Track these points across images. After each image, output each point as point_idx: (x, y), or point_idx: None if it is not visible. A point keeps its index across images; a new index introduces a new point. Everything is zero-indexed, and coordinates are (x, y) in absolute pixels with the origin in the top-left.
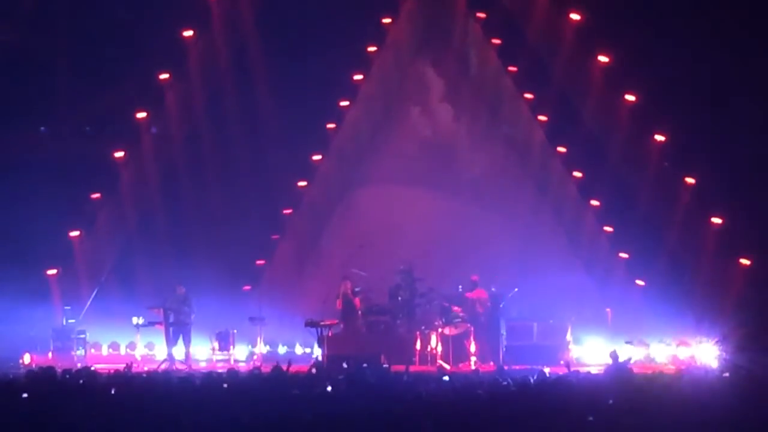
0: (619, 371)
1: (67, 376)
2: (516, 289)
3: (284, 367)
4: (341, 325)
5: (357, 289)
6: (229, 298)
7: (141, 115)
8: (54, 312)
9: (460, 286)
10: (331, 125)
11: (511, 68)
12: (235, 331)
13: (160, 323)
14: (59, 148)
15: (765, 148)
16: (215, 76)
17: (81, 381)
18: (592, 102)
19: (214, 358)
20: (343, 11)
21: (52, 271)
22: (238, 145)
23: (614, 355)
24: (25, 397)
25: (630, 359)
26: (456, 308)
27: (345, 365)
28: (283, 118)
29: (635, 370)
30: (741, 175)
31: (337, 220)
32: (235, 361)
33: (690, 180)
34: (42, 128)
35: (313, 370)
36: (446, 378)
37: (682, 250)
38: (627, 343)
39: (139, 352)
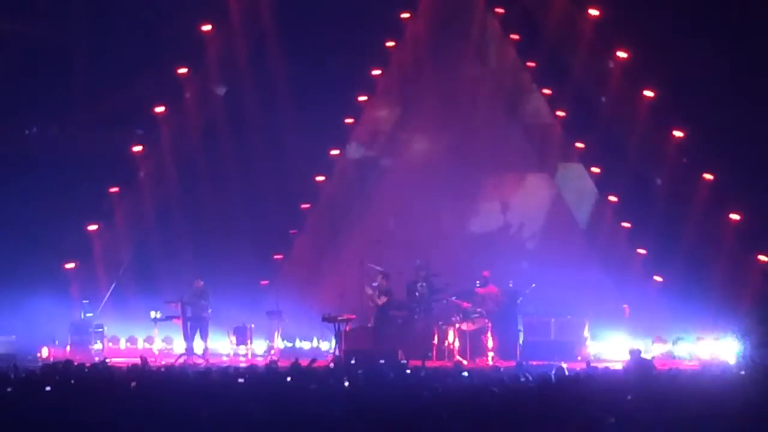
0: (639, 367)
1: (86, 370)
2: (533, 285)
3: (303, 363)
4: (374, 321)
5: (374, 284)
6: (247, 293)
7: (159, 109)
8: (72, 306)
9: (478, 282)
10: (349, 120)
11: (529, 64)
12: (253, 325)
13: (177, 317)
14: (77, 141)
15: None
16: (233, 70)
17: (97, 375)
18: (611, 98)
19: (232, 352)
20: (362, 6)
21: (70, 265)
22: (256, 139)
23: (634, 352)
24: (39, 391)
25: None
26: (465, 304)
27: (353, 361)
28: (302, 112)
29: (655, 366)
30: (760, 172)
31: (354, 215)
32: (253, 355)
33: (708, 176)
34: None
35: (331, 365)
36: (465, 374)
37: (701, 246)
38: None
39: (157, 346)
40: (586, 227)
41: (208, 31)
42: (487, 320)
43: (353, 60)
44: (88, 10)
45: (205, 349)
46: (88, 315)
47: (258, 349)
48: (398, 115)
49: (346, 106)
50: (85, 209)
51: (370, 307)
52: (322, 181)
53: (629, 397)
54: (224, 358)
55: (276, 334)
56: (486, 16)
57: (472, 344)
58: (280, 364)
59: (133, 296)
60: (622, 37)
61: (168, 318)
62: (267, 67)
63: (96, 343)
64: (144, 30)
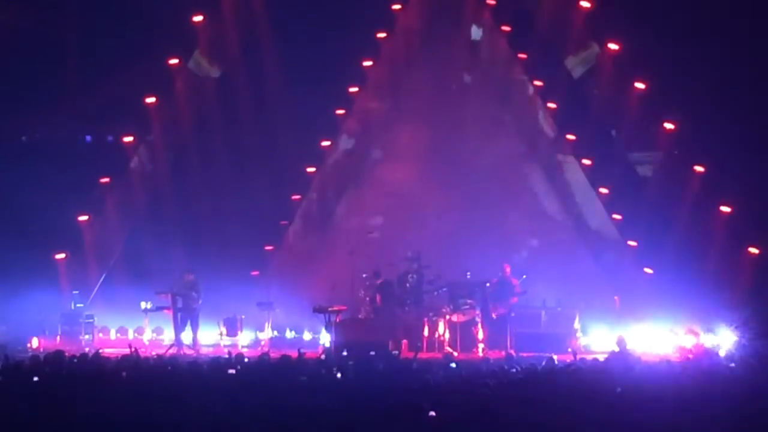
0: (624, 359)
1: (75, 360)
2: (524, 277)
3: (293, 355)
4: (365, 312)
5: (364, 275)
6: (238, 284)
7: (150, 100)
8: (62, 296)
9: (468, 273)
10: (340, 111)
11: (520, 55)
12: (243, 316)
13: (168, 308)
14: (68, 132)
15: None
16: (225, 61)
17: (87, 366)
18: (602, 89)
19: (222, 343)
20: None
21: (60, 256)
22: (247, 130)
23: (621, 342)
24: (32, 381)
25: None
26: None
27: (345, 353)
28: (293, 104)
29: (641, 358)
30: (750, 164)
31: (345, 206)
32: (243, 346)
33: (699, 168)
34: None
35: (322, 356)
36: (453, 365)
37: (691, 238)
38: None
39: (147, 336)
40: (576, 219)
41: (199, 22)
42: (476, 311)
43: (344, 51)
44: (80, 1)
45: (195, 340)
46: (78, 305)
47: (248, 340)
48: (389, 106)
49: (337, 97)
50: (76, 199)
51: (361, 298)
52: (314, 172)
53: (618, 390)
54: (214, 349)
55: (266, 325)
56: (477, 7)
57: (462, 336)
58: (271, 354)
59: (124, 287)
60: (613, 28)
61: (158, 309)
62: (258, 58)
63: (86, 333)
64: (135, 20)
